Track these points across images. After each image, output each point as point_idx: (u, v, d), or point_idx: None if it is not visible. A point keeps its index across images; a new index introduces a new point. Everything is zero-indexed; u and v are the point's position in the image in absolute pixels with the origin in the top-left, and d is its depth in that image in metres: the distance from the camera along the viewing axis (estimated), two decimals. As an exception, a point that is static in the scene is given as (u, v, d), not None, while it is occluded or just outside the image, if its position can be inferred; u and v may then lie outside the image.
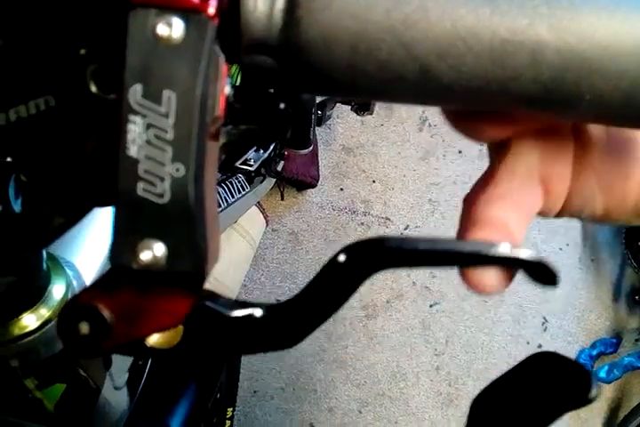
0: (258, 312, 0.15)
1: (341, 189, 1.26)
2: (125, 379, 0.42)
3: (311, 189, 1.22)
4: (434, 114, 1.30)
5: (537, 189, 0.18)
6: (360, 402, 1.12)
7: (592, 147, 0.19)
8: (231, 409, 0.76)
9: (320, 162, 1.23)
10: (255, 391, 1.08)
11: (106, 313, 0.14)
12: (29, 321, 0.30)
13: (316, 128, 1.06)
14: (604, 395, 1.22)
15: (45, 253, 0.30)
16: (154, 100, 0.13)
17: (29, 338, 0.30)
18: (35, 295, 0.30)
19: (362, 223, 1.24)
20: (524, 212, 0.18)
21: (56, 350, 0.32)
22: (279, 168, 0.97)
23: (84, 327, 0.15)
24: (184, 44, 0.13)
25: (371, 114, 0.91)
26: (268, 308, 0.15)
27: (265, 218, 1.08)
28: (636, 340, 1.20)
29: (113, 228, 0.13)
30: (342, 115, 1.29)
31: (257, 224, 1.06)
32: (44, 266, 0.30)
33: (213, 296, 0.15)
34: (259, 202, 1.02)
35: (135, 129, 0.13)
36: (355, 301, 1.18)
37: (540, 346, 1.22)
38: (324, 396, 1.10)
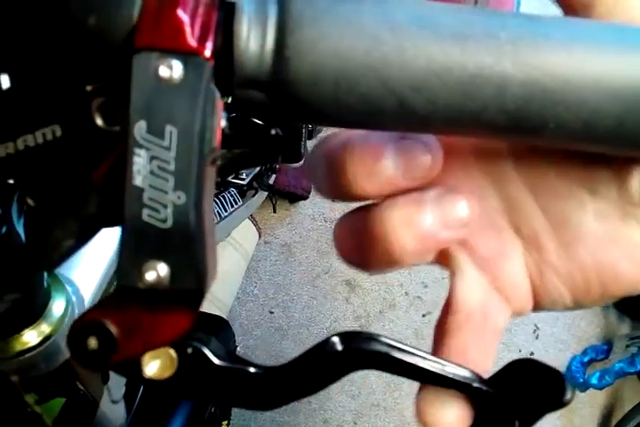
0: (248, 369, 0.17)
1: (333, 201, 1.27)
2: (122, 393, 0.43)
3: (303, 201, 1.24)
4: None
5: (498, 302, 0.19)
6: (355, 413, 1.12)
7: (541, 243, 0.19)
8: (226, 422, 0.76)
9: (311, 174, 1.24)
10: (250, 404, 1.08)
11: (112, 328, 0.16)
12: (30, 337, 0.31)
13: (308, 141, 1.07)
14: (597, 401, 1.23)
15: (46, 270, 0.31)
16: (157, 134, 0.14)
17: (30, 354, 0.31)
18: (36, 312, 0.31)
19: (354, 234, 1.25)
20: (489, 332, 0.19)
21: (56, 365, 0.32)
22: (271, 181, 0.98)
23: (93, 342, 0.16)
24: (183, 84, 0.14)
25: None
26: (256, 367, 0.17)
27: (258, 230, 1.09)
28: (627, 346, 1.21)
29: (119, 251, 0.15)
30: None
31: (250, 237, 1.07)
32: (45, 283, 0.31)
33: (210, 341, 0.17)
34: (251, 214, 1.03)
35: (140, 161, 0.14)
36: (348, 311, 1.19)
37: (531, 353, 1.23)
38: (319, 408, 1.11)
